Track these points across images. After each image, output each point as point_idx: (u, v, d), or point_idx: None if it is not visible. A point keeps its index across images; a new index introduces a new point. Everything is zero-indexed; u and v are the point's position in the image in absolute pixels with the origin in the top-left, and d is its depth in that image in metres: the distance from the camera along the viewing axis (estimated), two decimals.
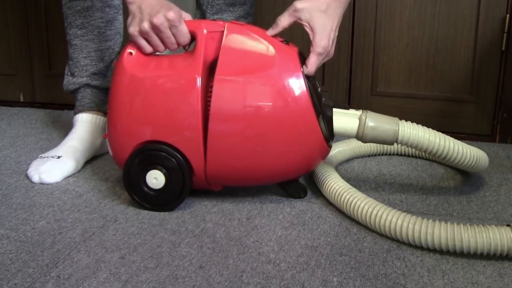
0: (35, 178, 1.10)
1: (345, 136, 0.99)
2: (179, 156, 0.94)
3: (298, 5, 0.92)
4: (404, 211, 0.89)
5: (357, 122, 0.95)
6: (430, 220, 0.85)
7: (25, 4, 1.66)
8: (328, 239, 0.89)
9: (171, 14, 0.92)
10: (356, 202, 0.94)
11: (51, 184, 1.09)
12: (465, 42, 1.43)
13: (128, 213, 0.97)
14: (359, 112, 0.96)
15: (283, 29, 0.95)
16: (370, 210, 0.91)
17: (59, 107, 1.68)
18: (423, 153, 1.24)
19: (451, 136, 0.98)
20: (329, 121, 0.96)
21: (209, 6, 1.28)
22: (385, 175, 1.17)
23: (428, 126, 1.48)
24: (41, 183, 1.09)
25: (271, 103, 0.92)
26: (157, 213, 0.97)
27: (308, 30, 0.93)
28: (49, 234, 0.89)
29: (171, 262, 0.81)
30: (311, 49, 0.94)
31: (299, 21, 0.92)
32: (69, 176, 1.14)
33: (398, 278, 0.78)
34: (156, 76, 0.95)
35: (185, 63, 0.95)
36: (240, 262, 0.82)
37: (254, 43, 0.94)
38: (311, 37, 0.94)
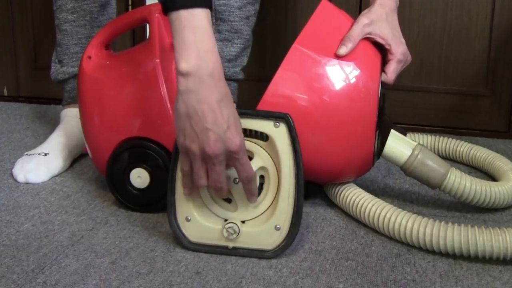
0: (20, 178, 1.10)
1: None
2: (159, 149, 0.94)
3: (365, 20, 0.94)
4: (414, 213, 0.89)
5: (409, 152, 0.94)
6: (443, 223, 0.85)
7: None
8: (334, 243, 0.89)
9: (235, 143, 0.76)
10: (363, 204, 0.93)
11: (37, 183, 1.09)
12: (480, 32, 1.42)
13: (119, 215, 0.97)
14: (414, 143, 0.96)
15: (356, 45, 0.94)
16: (378, 211, 0.91)
17: (45, 101, 1.68)
18: (439, 151, 1.24)
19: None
20: (383, 140, 0.95)
21: None
22: (394, 174, 1.17)
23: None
24: (27, 183, 1.09)
25: (338, 95, 0.90)
26: (150, 215, 0.97)
27: (380, 40, 0.96)
28: (35, 237, 0.89)
29: (165, 268, 0.81)
30: (390, 57, 0.96)
31: (368, 35, 0.95)
32: (56, 175, 1.13)
33: (408, 284, 0.78)
34: (117, 73, 0.97)
35: (142, 51, 0.97)
36: (239, 267, 0.82)
37: (346, 26, 0.94)
38: (387, 47, 0.96)
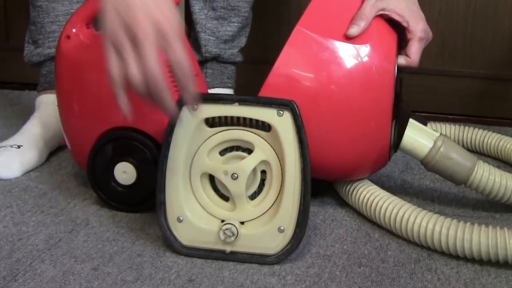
0: None
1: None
2: (147, 140, 0.94)
3: None
4: (436, 213, 0.89)
5: (431, 144, 0.94)
6: (468, 224, 0.85)
7: None
8: (345, 247, 0.89)
9: (165, 21, 0.74)
10: (378, 202, 0.94)
11: (9, 179, 1.10)
12: (510, 7, 1.42)
13: (102, 215, 0.97)
14: (436, 134, 0.95)
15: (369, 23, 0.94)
16: (395, 211, 0.91)
17: (18, 86, 1.68)
18: (464, 143, 1.24)
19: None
20: (400, 131, 0.95)
21: None
22: (414, 169, 1.17)
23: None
24: None
25: (349, 81, 0.89)
26: (137, 215, 0.97)
27: (397, 17, 0.95)
28: (7, 240, 0.89)
29: (154, 275, 0.81)
30: (410, 36, 0.96)
31: (382, 11, 0.94)
32: (31, 170, 1.14)
33: None
34: (100, 55, 0.95)
35: None
36: (238, 274, 0.82)
37: (356, 2, 0.94)
38: (404, 24, 0.96)
